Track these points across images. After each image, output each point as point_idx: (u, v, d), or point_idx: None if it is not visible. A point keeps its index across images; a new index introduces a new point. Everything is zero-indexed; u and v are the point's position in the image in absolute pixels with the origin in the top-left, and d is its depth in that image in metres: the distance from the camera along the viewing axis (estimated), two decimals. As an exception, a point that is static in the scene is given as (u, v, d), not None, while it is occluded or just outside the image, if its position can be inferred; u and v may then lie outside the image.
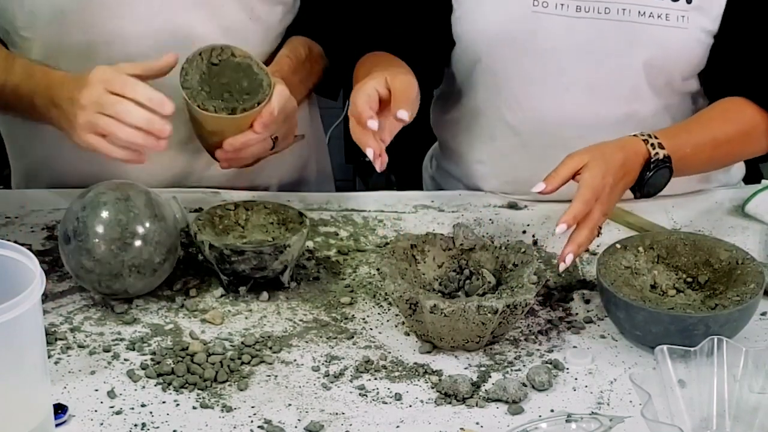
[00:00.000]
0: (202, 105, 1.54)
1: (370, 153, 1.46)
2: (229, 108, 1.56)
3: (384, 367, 1.39)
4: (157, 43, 1.64)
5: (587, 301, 1.53)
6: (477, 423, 1.29)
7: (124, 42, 1.65)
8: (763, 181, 1.77)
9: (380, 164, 1.48)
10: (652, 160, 1.58)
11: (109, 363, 1.39)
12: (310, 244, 1.64)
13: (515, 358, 1.41)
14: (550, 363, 1.39)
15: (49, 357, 1.37)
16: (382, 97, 1.49)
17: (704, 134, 1.68)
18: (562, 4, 1.69)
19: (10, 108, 1.65)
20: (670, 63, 1.71)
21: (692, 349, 1.27)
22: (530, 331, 1.46)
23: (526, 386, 1.34)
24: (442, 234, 1.53)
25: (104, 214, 1.45)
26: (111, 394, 1.33)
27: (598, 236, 1.53)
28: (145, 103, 1.47)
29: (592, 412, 1.29)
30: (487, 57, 1.76)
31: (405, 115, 1.46)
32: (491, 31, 1.73)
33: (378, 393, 1.34)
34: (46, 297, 1.50)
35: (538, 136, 1.78)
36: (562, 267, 1.48)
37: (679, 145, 1.62)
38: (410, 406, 1.32)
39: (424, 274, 1.49)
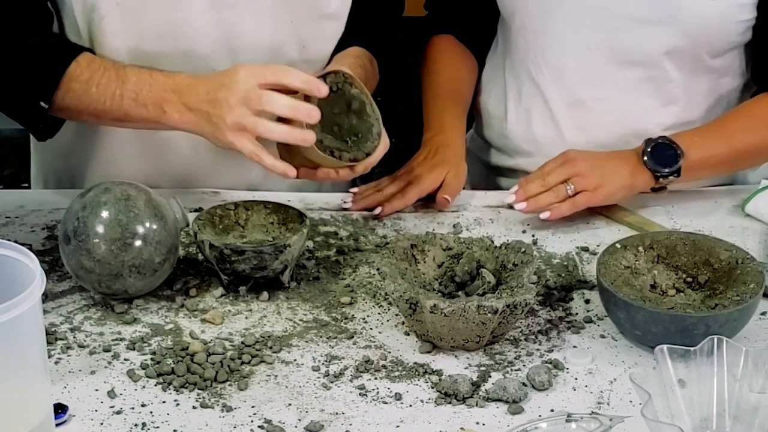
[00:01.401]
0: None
1: (350, 203, 1.76)
2: (336, 148, 1.54)
3: (384, 366, 1.39)
4: (206, 36, 1.66)
5: (587, 301, 1.53)
6: (477, 423, 1.29)
7: (179, 35, 1.66)
8: (763, 181, 1.77)
9: (355, 207, 1.75)
10: (649, 140, 1.70)
11: (109, 363, 1.39)
12: (310, 244, 1.64)
13: (515, 358, 1.41)
14: (550, 363, 1.39)
15: (49, 357, 1.37)
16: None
17: (723, 144, 1.74)
18: None
19: (129, 119, 1.60)
20: (695, 35, 1.72)
21: (692, 348, 1.27)
22: (530, 331, 1.46)
23: (526, 386, 1.34)
24: (442, 234, 1.53)
25: (104, 214, 1.45)
26: (111, 393, 1.33)
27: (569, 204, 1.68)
28: (301, 86, 1.48)
29: (592, 412, 1.29)
30: (520, 13, 1.81)
31: (449, 201, 1.75)
32: None
33: (378, 393, 1.34)
34: (46, 297, 1.50)
35: (560, 94, 1.83)
36: (508, 200, 1.70)
37: (692, 144, 1.72)
38: (410, 405, 1.32)
39: (424, 274, 1.49)
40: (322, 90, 1.49)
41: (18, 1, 1.61)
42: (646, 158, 1.70)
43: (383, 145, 1.56)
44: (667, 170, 1.70)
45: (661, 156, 1.70)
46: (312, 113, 1.48)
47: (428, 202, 1.77)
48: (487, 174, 1.98)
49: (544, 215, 1.68)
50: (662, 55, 1.74)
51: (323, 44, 1.75)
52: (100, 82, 1.58)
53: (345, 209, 1.75)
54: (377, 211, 1.73)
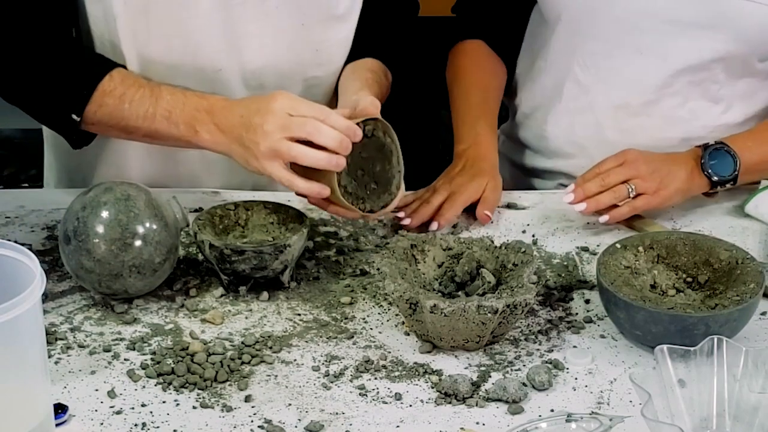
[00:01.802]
0: (339, 181, 1.52)
1: (406, 220, 1.69)
2: (355, 195, 1.54)
3: (384, 366, 1.39)
4: (212, 35, 1.66)
5: (587, 301, 1.53)
6: (477, 423, 1.29)
7: (185, 34, 1.65)
8: (763, 181, 1.77)
9: (413, 224, 1.69)
10: (707, 145, 1.70)
11: (109, 363, 1.39)
12: (310, 244, 1.64)
13: (515, 358, 1.41)
14: (550, 363, 1.39)
15: (49, 357, 1.37)
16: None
17: None
18: None
19: (159, 137, 1.60)
20: (747, 39, 1.72)
21: (692, 348, 1.27)
22: (530, 331, 1.46)
23: (526, 386, 1.34)
24: (442, 234, 1.53)
25: (104, 214, 1.45)
26: (111, 393, 1.33)
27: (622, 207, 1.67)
28: (338, 128, 1.48)
29: (592, 412, 1.29)
30: (566, 15, 1.80)
31: (489, 217, 1.71)
32: None
33: (378, 393, 1.34)
34: (46, 297, 1.50)
35: (606, 96, 1.82)
36: (566, 199, 1.65)
37: (743, 147, 1.71)
38: (410, 406, 1.32)
39: (424, 274, 1.49)
40: (357, 135, 1.49)
41: (53, 13, 1.62)
42: (704, 162, 1.69)
43: (399, 197, 1.57)
44: (725, 177, 1.69)
45: (720, 162, 1.70)
46: (349, 146, 1.49)
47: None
48: (519, 175, 1.97)
49: (602, 219, 1.67)
50: (713, 60, 1.74)
51: (335, 47, 1.74)
52: (134, 99, 1.58)
53: (402, 226, 1.70)
54: (434, 226, 1.68)
